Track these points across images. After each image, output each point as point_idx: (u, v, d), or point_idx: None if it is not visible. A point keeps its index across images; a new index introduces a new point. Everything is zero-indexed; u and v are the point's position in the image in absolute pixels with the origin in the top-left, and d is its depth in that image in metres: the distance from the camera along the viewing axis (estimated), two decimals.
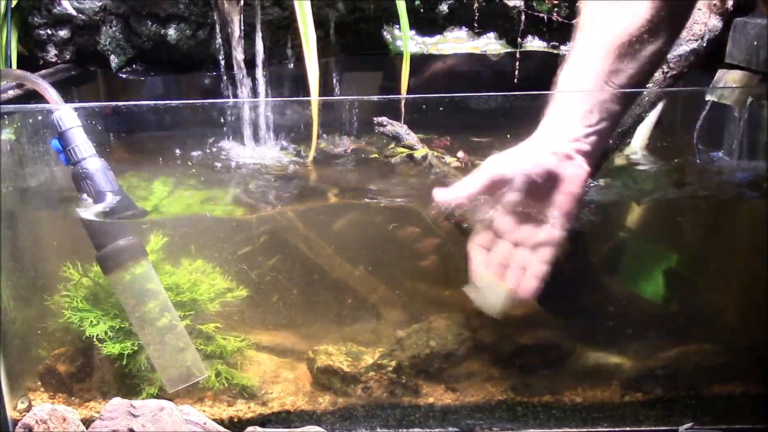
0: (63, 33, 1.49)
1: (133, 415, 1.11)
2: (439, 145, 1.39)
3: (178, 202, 1.28)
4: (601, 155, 1.00)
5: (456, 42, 1.55)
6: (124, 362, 1.26)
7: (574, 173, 0.95)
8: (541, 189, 0.95)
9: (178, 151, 1.40)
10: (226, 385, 1.31)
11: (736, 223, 1.41)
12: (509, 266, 0.98)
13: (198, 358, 1.23)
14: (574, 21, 1.45)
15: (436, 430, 1.30)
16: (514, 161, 0.95)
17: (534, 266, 0.98)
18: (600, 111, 0.94)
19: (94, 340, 1.25)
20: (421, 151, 1.31)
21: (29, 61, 1.50)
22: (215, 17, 1.44)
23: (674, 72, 1.22)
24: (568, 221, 0.96)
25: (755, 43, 1.16)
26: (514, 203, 0.96)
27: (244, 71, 1.46)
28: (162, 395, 1.25)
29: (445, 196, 0.96)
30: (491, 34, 1.54)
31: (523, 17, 1.50)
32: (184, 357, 1.22)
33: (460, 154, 1.35)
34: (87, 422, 1.17)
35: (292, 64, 1.52)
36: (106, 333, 1.25)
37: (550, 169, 0.94)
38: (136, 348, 1.25)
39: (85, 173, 1.12)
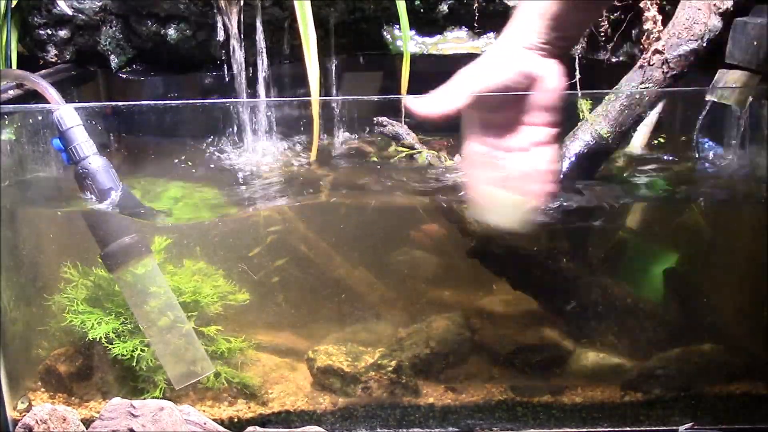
0: (63, 33, 1.49)
1: (133, 415, 1.11)
2: (439, 144, 1.39)
3: (184, 205, 1.28)
4: (567, 61, 0.96)
5: (456, 42, 1.55)
6: (128, 362, 1.26)
7: (551, 67, 0.92)
8: (522, 89, 0.91)
9: (178, 151, 1.40)
10: (226, 385, 1.31)
11: (736, 224, 1.41)
12: (515, 177, 0.94)
13: (204, 354, 1.23)
14: None
15: (436, 430, 1.30)
16: (488, 68, 0.92)
17: (543, 168, 0.93)
18: (563, 15, 0.91)
19: (97, 339, 1.25)
20: (421, 157, 1.31)
21: (29, 61, 1.50)
22: (215, 17, 1.44)
23: (674, 72, 1.22)
24: (557, 115, 0.92)
25: (755, 43, 1.16)
26: (500, 111, 0.92)
27: (245, 71, 1.46)
28: (163, 395, 1.25)
29: (418, 108, 0.92)
30: (491, 34, 1.54)
31: None
32: (190, 353, 1.22)
33: (458, 158, 1.35)
34: (87, 422, 1.17)
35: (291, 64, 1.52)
36: (107, 334, 1.25)
37: (527, 67, 0.91)
38: (138, 349, 1.25)
39: (87, 172, 1.12)
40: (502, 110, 0.92)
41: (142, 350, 1.24)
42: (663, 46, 1.22)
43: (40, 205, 1.32)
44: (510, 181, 0.94)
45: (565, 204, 1.14)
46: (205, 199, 1.29)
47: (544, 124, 0.92)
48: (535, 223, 0.96)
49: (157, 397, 1.25)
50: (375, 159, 1.42)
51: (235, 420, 1.29)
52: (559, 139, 0.94)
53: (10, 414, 1.27)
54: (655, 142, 1.44)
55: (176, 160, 1.39)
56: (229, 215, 1.33)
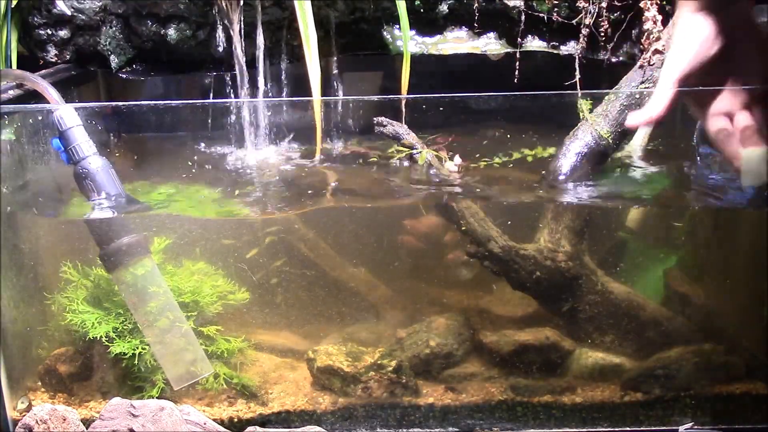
0: (63, 33, 1.49)
1: (133, 415, 1.11)
2: (439, 144, 1.39)
3: (184, 203, 1.28)
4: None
5: (456, 42, 1.55)
6: (128, 362, 1.26)
7: (742, 13, 0.92)
8: (726, 46, 0.92)
9: (177, 151, 1.40)
10: (226, 386, 1.31)
11: (736, 225, 1.41)
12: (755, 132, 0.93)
13: (203, 354, 1.23)
14: (573, 21, 1.47)
15: (436, 430, 1.30)
16: (682, 52, 0.93)
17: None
18: None
19: (97, 339, 1.25)
20: (422, 157, 1.31)
21: (29, 61, 1.50)
22: (215, 17, 1.44)
23: None
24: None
25: None
26: (718, 77, 0.93)
27: (245, 71, 1.46)
28: (163, 395, 1.25)
29: (640, 118, 0.94)
30: (491, 34, 1.54)
31: (523, 17, 1.50)
32: (189, 354, 1.22)
33: (458, 160, 1.35)
34: (87, 422, 1.17)
35: (291, 64, 1.52)
36: (107, 334, 1.25)
37: (720, 29, 0.91)
38: (139, 348, 1.25)
39: (87, 172, 1.12)
40: (720, 74, 0.93)
41: (142, 349, 1.24)
42: (663, 46, 1.22)
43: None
44: (756, 135, 0.93)
45: None
46: (203, 196, 1.29)
47: (755, 70, 0.92)
48: None
49: (156, 396, 1.25)
50: (375, 159, 1.42)
51: (235, 420, 1.29)
52: None
53: (10, 414, 1.27)
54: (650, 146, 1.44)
55: (176, 161, 1.39)
56: (229, 216, 1.33)
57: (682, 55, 0.93)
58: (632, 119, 0.95)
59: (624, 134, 1.24)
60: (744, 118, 0.93)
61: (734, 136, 0.93)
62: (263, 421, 1.29)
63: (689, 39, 0.93)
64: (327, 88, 1.52)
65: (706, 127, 0.96)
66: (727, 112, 0.94)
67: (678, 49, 0.94)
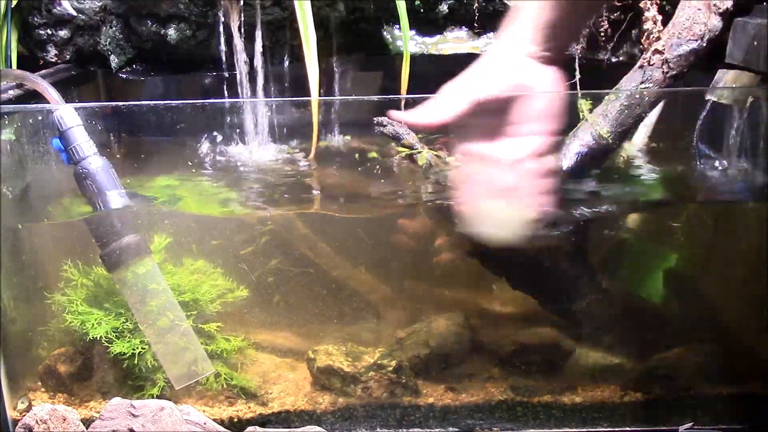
0: (63, 33, 1.49)
1: (133, 415, 1.11)
2: (439, 144, 1.39)
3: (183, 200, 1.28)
4: (564, 64, 0.94)
5: (456, 42, 1.55)
6: (128, 362, 1.26)
7: (548, 74, 0.89)
8: (519, 99, 0.88)
9: (177, 152, 1.40)
10: (225, 386, 1.31)
11: (736, 224, 1.41)
12: (511, 189, 0.90)
13: (204, 354, 1.23)
14: None
15: (436, 430, 1.30)
16: (482, 78, 0.89)
17: (541, 178, 0.90)
18: (557, 22, 0.89)
19: (97, 339, 1.25)
20: (422, 157, 1.31)
21: (29, 61, 1.50)
22: (215, 17, 1.44)
23: (674, 72, 1.22)
24: (556, 123, 0.89)
25: (755, 43, 1.16)
26: (494, 121, 0.89)
27: (245, 71, 1.46)
28: (163, 395, 1.25)
29: (413, 119, 0.90)
30: (491, 34, 1.54)
31: None
32: (189, 353, 1.22)
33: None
34: (87, 422, 1.17)
35: (291, 64, 1.52)
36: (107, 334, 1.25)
37: (523, 77, 0.88)
38: (139, 348, 1.25)
39: (87, 172, 1.12)
40: (496, 120, 0.89)
41: (142, 349, 1.24)
42: (663, 46, 1.22)
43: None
44: (505, 193, 0.91)
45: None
46: (202, 193, 1.29)
47: (541, 133, 0.89)
48: (530, 236, 0.94)
49: (156, 395, 1.25)
50: (375, 155, 1.41)
51: (235, 420, 1.29)
52: (558, 149, 0.92)
53: (10, 414, 1.27)
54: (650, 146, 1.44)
55: (176, 161, 1.39)
56: (228, 215, 1.33)
57: (482, 82, 0.89)
58: (405, 116, 0.90)
59: (624, 134, 1.23)
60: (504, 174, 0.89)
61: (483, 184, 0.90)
62: (263, 421, 1.29)
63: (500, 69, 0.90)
64: (327, 88, 1.52)
65: (458, 154, 0.92)
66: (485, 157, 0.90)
67: (482, 74, 0.90)
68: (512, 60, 0.89)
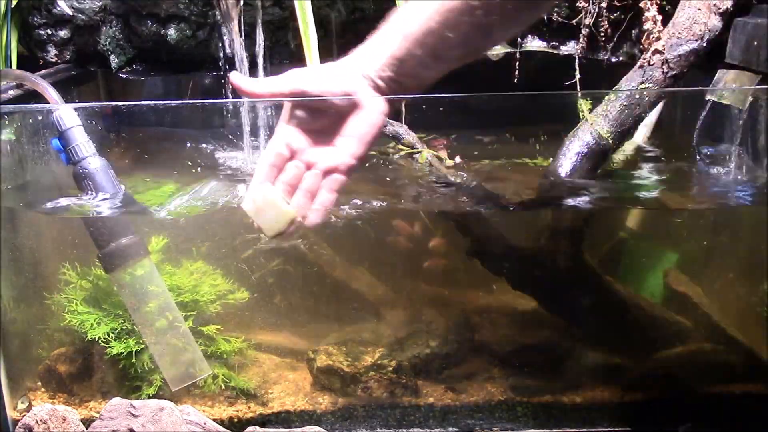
0: (63, 33, 1.49)
1: (133, 415, 1.11)
2: (439, 144, 1.39)
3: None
4: (396, 103, 0.97)
5: None
6: (127, 362, 1.26)
7: (377, 104, 0.92)
8: (341, 112, 0.92)
9: (177, 151, 1.40)
10: (224, 387, 1.31)
11: (736, 223, 1.41)
12: (296, 188, 0.94)
13: (201, 356, 1.23)
14: (573, 21, 1.46)
15: (436, 430, 1.30)
16: (318, 77, 0.92)
17: (322, 194, 0.93)
18: (406, 61, 0.91)
19: (97, 339, 1.25)
20: (422, 157, 1.31)
21: (29, 61, 1.50)
22: (215, 17, 1.44)
23: (674, 72, 1.22)
24: (363, 150, 0.92)
25: (755, 43, 1.16)
26: (310, 121, 0.93)
27: (245, 71, 1.46)
28: (162, 395, 1.25)
29: (241, 83, 0.93)
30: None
31: None
32: (187, 355, 1.22)
33: (458, 159, 1.35)
34: (87, 422, 1.17)
35: (291, 64, 1.52)
36: (108, 334, 1.25)
37: (354, 93, 0.91)
38: (138, 348, 1.25)
39: (86, 172, 1.12)
40: (314, 119, 0.93)
41: (141, 349, 1.24)
42: (663, 46, 1.22)
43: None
44: (289, 189, 0.93)
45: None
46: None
47: (348, 152, 0.92)
48: (291, 239, 0.95)
49: (153, 394, 1.25)
50: (374, 153, 1.41)
51: (235, 420, 1.29)
52: (351, 173, 0.94)
53: (10, 414, 1.27)
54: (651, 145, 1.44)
55: (176, 161, 1.39)
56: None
57: (315, 79, 0.92)
58: (237, 79, 0.92)
59: (624, 134, 1.24)
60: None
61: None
62: (263, 421, 1.29)
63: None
64: None
65: (272, 139, 0.95)
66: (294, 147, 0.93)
67: (321, 71, 0.93)
68: (352, 73, 0.92)
